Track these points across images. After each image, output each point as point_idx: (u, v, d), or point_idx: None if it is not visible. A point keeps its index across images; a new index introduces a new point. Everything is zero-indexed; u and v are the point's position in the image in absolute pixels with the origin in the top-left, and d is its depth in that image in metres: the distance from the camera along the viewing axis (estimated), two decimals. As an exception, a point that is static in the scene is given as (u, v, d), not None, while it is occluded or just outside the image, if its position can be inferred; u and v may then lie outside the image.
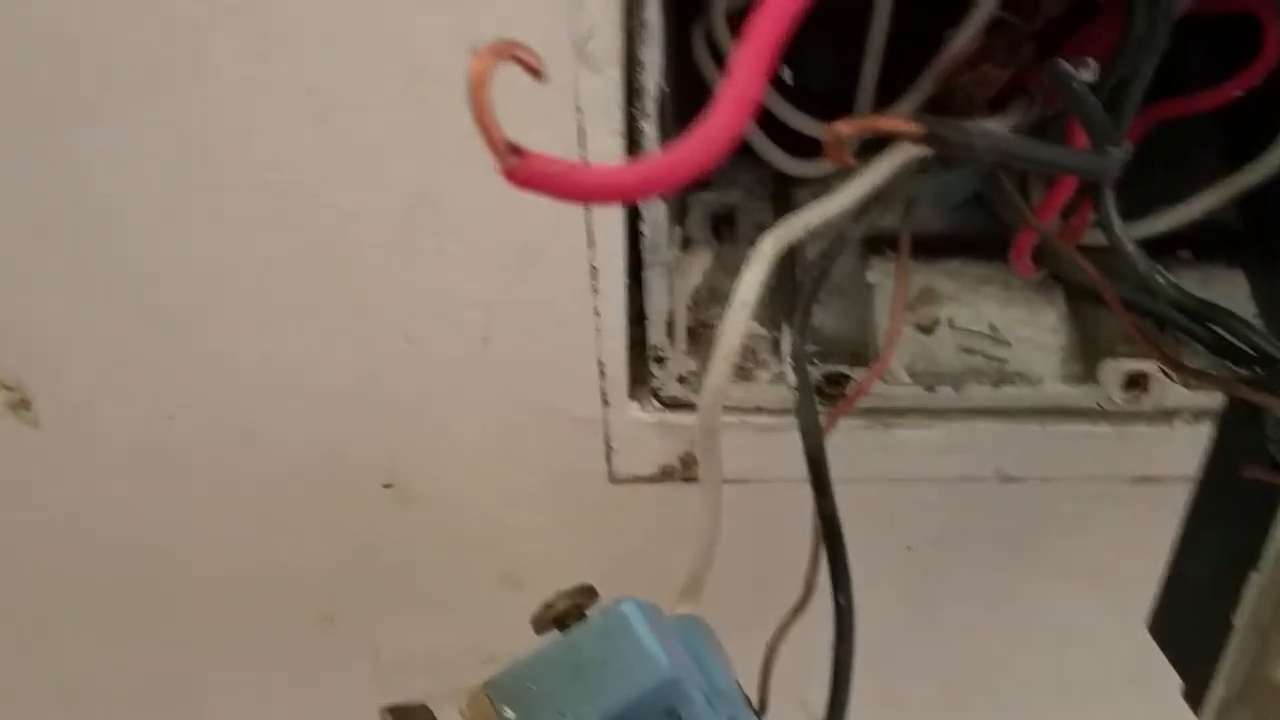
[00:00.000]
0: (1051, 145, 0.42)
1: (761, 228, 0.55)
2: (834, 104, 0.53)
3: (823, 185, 0.56)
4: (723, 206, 0.57)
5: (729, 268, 0.53)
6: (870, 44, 0.50)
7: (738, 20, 0.49)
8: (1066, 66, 0.39)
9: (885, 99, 0.52)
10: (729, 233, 0.56)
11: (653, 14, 0.39)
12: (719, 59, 0.51)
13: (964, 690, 0.66)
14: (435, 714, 0.39)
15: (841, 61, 0.52)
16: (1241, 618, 0.38)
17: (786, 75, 0.54)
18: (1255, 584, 0.37)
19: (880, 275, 0.53)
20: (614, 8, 0.39)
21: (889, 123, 0.29)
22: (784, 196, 0.57)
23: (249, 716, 0.70)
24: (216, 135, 0.43)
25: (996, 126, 0.48)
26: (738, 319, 0.41)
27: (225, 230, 0.46)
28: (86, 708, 0.70)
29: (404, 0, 0.39)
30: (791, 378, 0.44)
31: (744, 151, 0.53)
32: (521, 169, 0.22)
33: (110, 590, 0.62)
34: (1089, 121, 0.37)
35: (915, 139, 0.29)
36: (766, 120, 0.53)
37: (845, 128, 0.28)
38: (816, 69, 0.55)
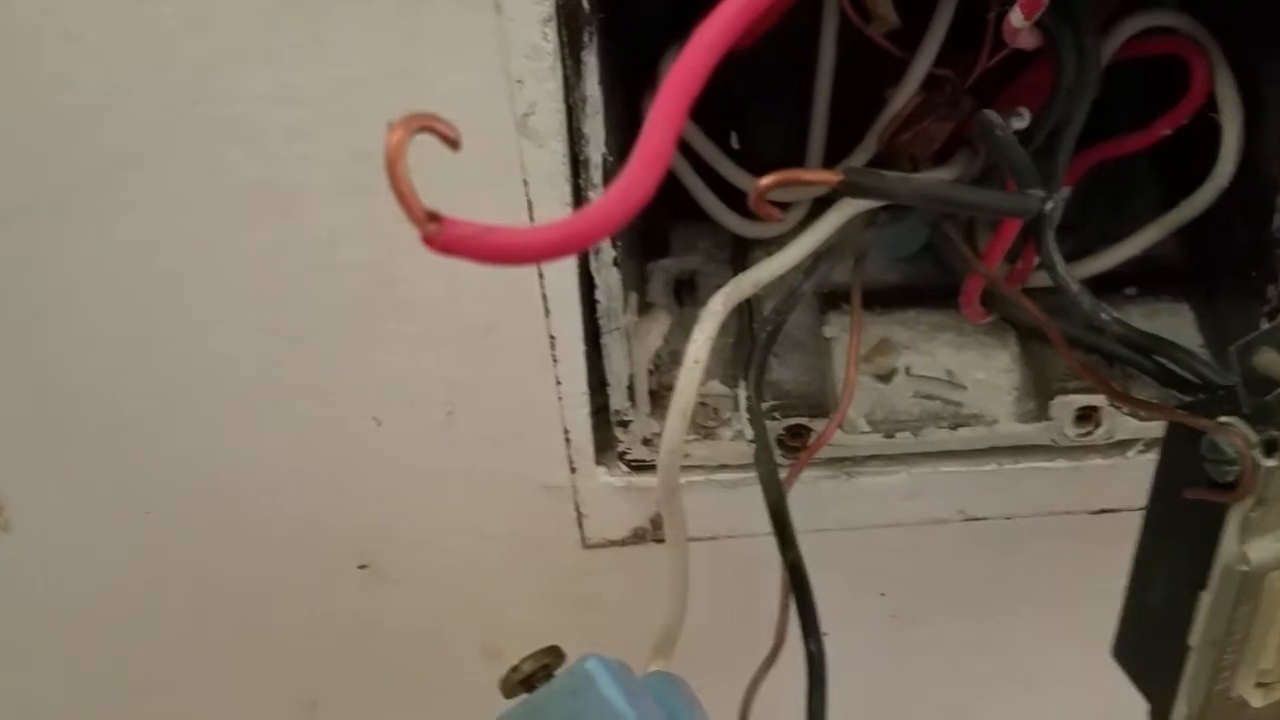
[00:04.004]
0: (973, 188, 0.43)
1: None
2: (785, 168, 0.54)
3: (778, 245, 0.57)
4: (683, 271, 0.58)
5: (689, 329, 0.54)
6: (815, 108, 0.52)
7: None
8: (992, 116, 0.40)
9: (835, 160, 0.53)
10: (690, 297, 0.57)
11: (592, 88, 0.41)
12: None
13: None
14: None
15: (792, 126, 0.54)
16: (1195, 637, 0.39)
17: (734, 141, 0.55)
18: (1205, 603, 0.38)
19: (836, 329, 0.54)
20: (553, 83, 0.40)
21: (809, 174, 0.31)
22: (742, 259, 0.58)
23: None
24: (176, 235, 0.44)
25: (941, 178, 0.49)
26: (691, 377, 0.42)
27: (190, 329, 0.47)
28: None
29: (348, 86, 0.40)
30: (749, 432, 0.45)
31: (704, 217, 0.55)
32: (440, 235, 0.22)
33: (88, 689, 0.62)
34: (1011, 166, 0.38)
35: (835, 187, 0.30)
36: (721, 185, 0.54)
37: (767, 182, 0.29)
38: (769, 135, 0.56)
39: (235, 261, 0.45)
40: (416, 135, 0.23)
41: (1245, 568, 0.38)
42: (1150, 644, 0.42)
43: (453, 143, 0.23)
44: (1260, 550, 0.38)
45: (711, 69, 0.25)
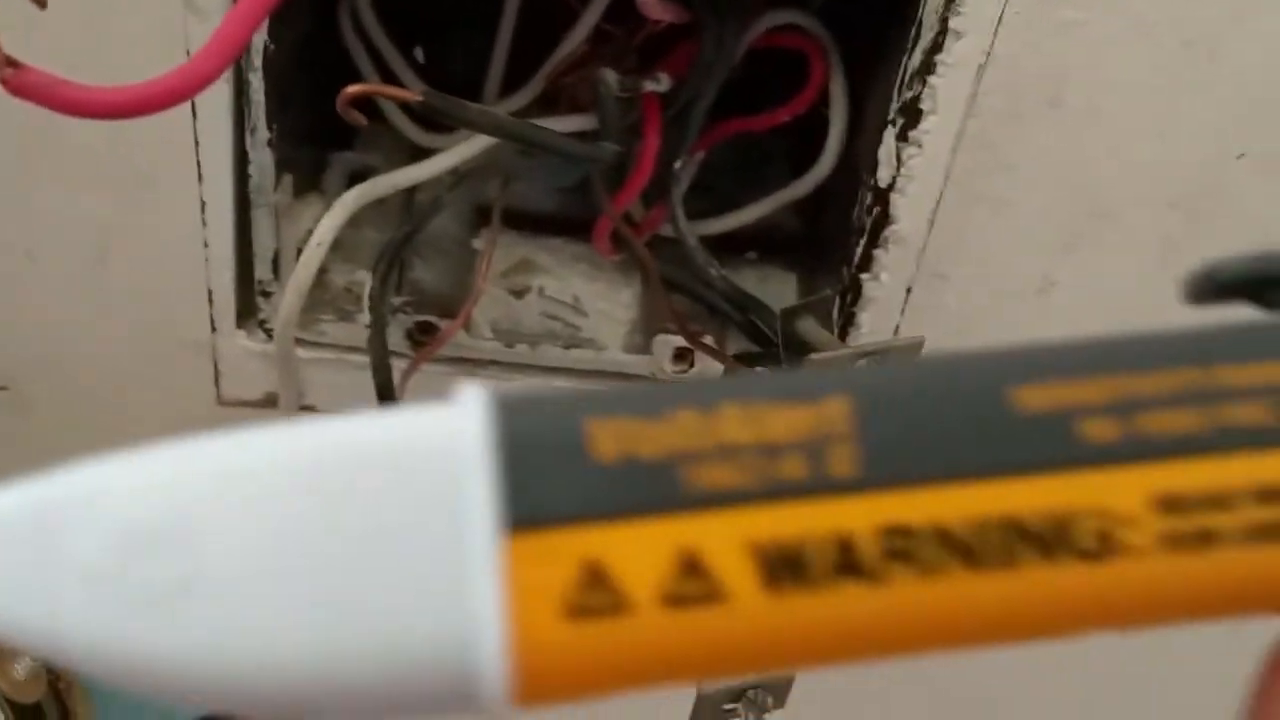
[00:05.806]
0: (548, 130, 0.48)
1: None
2: (469, 88, 0.59)
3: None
4: (361, 166, 0.62)
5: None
6: (499, 39, 0.56)
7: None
8: (606, 74, 0.46)
9: (512, 89, 0.58)
10: (361, 191, 0.61)
11: (258, -23, 0.44)
12: (362, 34, 0.56)
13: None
14: None
15: (479, 54, 0.58)
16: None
17: (420, 56, 0.59)
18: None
19: (484, 242, 0.58)
20: (219, -37, 0.43)
21: (389, 90, 0.35)
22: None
23: None
24: None
25: (588, 122, 0.54)
26: (312, 257, 0.47)
27: None
28: None
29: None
30: (367, 316, 0.50)
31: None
32: (14, 79, 0.26)
33: None
34: (601, 118, 0.44)
35: (413, 105, 0.35)
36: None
37: (354, 90, 0.34)
38: (456, 57, 0.61)
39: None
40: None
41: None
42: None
43: (40, 2, 0.27)
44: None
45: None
